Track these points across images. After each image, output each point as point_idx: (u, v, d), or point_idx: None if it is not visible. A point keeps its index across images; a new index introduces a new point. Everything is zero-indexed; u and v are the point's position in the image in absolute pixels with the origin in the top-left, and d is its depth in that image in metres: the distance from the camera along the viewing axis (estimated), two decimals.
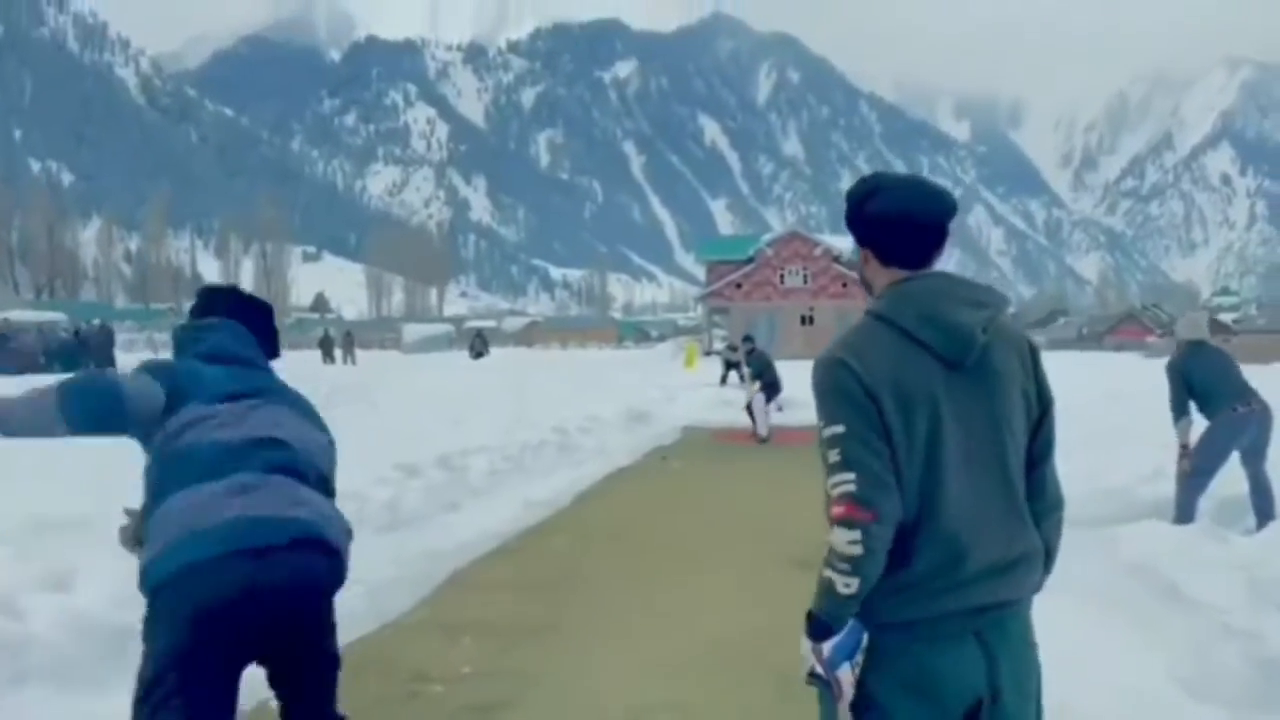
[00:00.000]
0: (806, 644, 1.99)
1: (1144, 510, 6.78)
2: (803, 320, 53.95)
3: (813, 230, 71.96)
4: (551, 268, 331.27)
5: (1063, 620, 4.85)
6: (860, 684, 1.96)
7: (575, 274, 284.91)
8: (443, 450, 8.85)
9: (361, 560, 5.89)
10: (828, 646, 1.95)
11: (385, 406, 15.41)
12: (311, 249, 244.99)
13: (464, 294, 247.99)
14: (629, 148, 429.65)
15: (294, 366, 33.27)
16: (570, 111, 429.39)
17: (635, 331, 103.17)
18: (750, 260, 57.92)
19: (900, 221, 2.09)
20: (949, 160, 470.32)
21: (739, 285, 57.19)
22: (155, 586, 2.30)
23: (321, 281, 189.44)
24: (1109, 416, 13.61)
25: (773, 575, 6.14)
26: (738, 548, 7.01)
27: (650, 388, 20.33)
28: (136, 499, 2.63)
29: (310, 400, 2.82)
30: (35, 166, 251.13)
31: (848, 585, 1.89)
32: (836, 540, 1.88)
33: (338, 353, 43.69)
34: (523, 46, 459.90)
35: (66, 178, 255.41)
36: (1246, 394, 6.61)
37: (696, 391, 20.23)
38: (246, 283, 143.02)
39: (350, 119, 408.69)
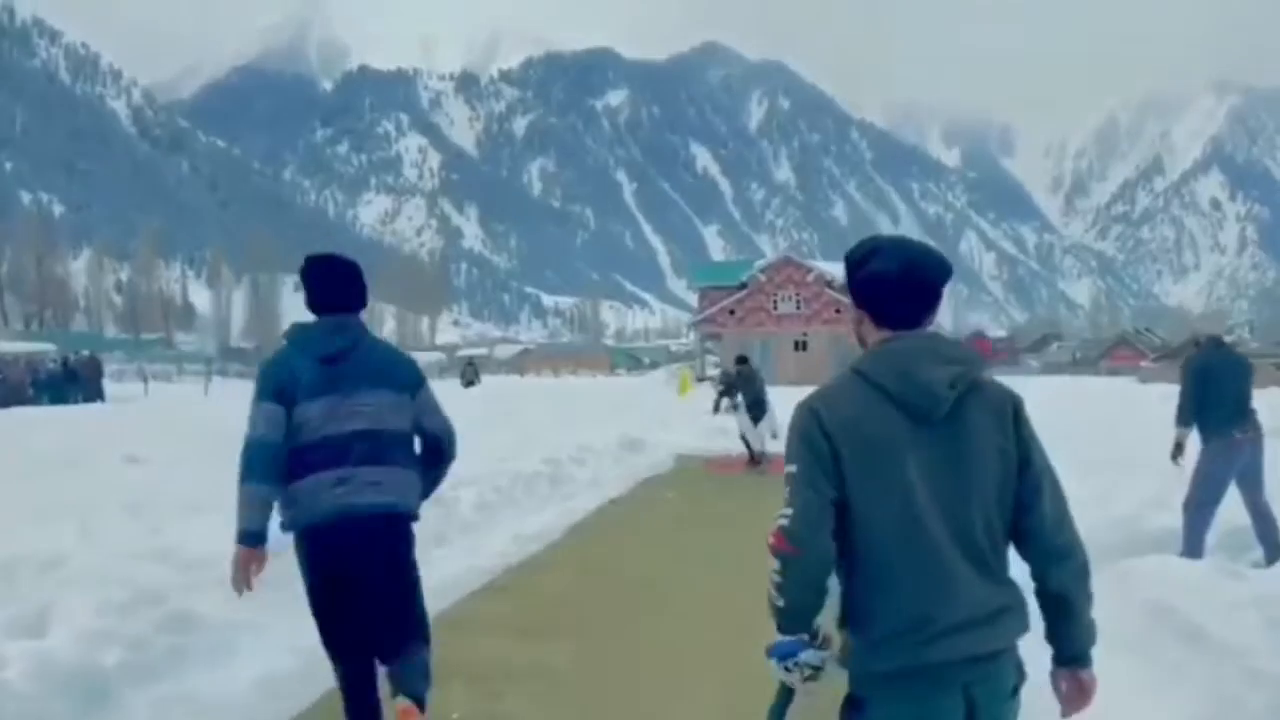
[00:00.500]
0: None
1: (1151, 539, 6.62)
2: (796, 346, 53.89)
3: (805, 256, 72.03)
4: (544, 295, 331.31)
5: None
6: None
7: (568, 301, 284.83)
8: None
9: None
10: (769, 647, 2.17)
11: None
12: None
13: (456, 322, 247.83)
14: (621, 175, 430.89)
15: None
16: (562, 140, 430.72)
17: (628, 359, 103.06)
18: (743, 286, 57.90)
19: (897, 285, 2.17)
20: (940, 186, 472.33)
21: (732, 311, 57.15)
22: (297, 534, 3.67)
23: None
24: (1111, 442, 13.46)
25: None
26: (733, 585, 6.78)
27: (643, 416, 20.14)
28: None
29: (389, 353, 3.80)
30: (26, 197, 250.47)
31: (777, 601, 2.13)
32: (769, 564, 2.11)
33: None
34: (515, 75, 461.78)
35: (58, 208, 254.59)
36: (1246, 416, 6.43)
37: (690, 419, 20.05)
38: (238, 312, 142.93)
39: (343, 148, 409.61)
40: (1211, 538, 6.54)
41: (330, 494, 3.49)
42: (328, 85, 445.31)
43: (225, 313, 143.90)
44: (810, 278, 57.45)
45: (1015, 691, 2.19)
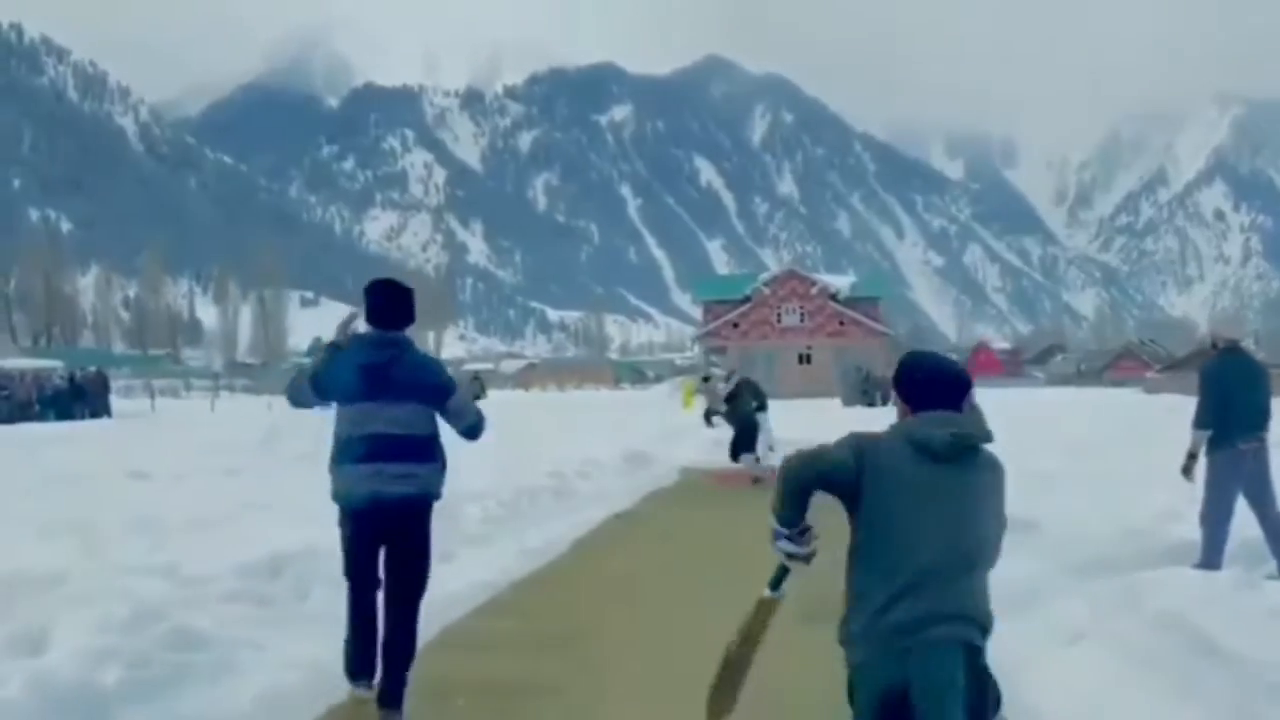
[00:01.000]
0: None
1: (1165, 552, 6.56)
2: (800, 359, 53.80)
3: (809, 269, 72.01)
4: (549, 309, 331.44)
5: (1093, 676, 4.56)
6: (850, 686, 2.85)
7: (572, 316, 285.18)
8: None
9: (344, 617, 5.64)
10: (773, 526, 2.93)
11: None
12: (310, 294, 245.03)
13: (462, 337, 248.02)
14: (625, 190, 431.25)
15: (291, 413, 33.10)
16: (567, 155, 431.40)
17: (632, 372, 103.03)
18: (747, 299, 57.87)
19: (929, 389, 2.88)
20: (943, 199, 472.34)
21: (736, 325, 57.11)
22: (340, 508, 4.66)
23: (320, 326, 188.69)
24: (1120, 455, 13.38)
25: (784, 629, 5.86)
26: (739, 597, 6.72)
27: (647, 429, 20.08)
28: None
29: (423, 364, 4.70)
30: (34, 214, 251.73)
31: (773, 503, 2.90)
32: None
33: None
34: (519, 91, 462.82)
35: (65, 225, 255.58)
36: (1259, 425, 6.32)
37: (694, 432, 19.96)
38: (245, 328, 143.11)
39: (348, 165, 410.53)
40: (1229, 547, 6.46)
41: (365, 483, 4.45)
42: (333, 102, 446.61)
43: (232, 328, 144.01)
44: (814, 291, 57.41)
45: (980, 680, 2.74)
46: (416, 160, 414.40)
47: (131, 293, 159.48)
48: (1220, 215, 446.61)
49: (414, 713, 4.47)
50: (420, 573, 4.68)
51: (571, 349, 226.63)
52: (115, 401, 39.68)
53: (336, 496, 4.63)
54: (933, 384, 2.91)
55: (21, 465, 15.04)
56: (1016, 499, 9.19)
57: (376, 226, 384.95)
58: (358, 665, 4.59)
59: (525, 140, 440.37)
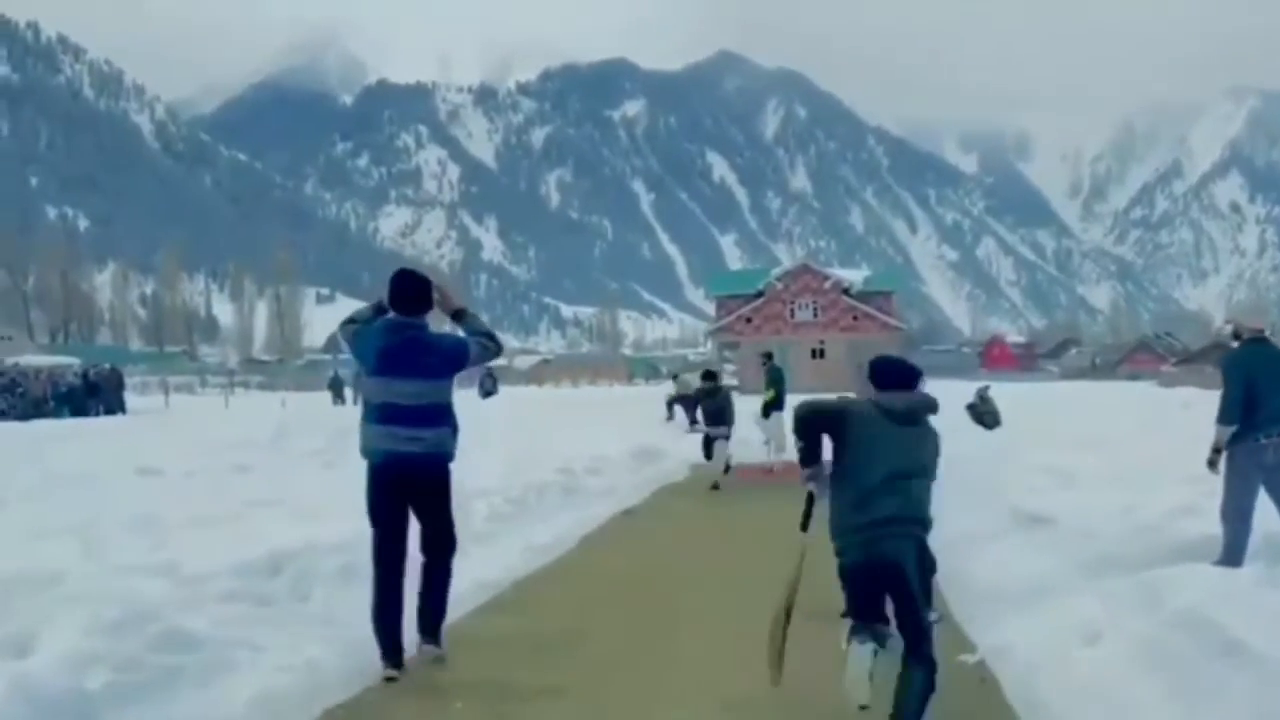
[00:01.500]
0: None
1: (1182, 548, 6.39)
2: (813, 354, 53.52)
3: (823, 264, 71.70)
4: (563, 306, 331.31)
5: (1111, 677, 4.39)
6: (839, 569, 4.26)
7: (586, 311, 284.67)
8: None
9: (345, 616, 5.53)
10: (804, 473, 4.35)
11: None
12: (325, 290, 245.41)
13: None
14: (638, 186, 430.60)
15: (304, 409, 32.94)
16: (580, 151, 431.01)
17: (646, 368, 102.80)
18: (760, 294, 57.63)
19: (888, 377, 4.41)
20: (957, 192, 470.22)
21: (749, 320, 56.88)
22: (367, 464, 5.36)
23: (335, 323, 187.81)
24: (1136, 449, 13.20)
25: (790, 628, 5.76)
26: (751, 596, 6.55)
27: (659, 425, 19.95)
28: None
29: (438, 343, 5.40)
30: (52, 212, 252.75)
31: (797, 445, 4.40)
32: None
33: (348, 393, 43.44)
34: (532, 87, 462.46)
35: (82, 223, 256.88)
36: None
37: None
38: (260, 325, 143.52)
39: (363, 161, 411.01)
40: (1250, 544, 6.27)
41: (383, 442, 5.25)
42: (347, 99, 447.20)
43: (248, 325, 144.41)
44: (827, 285, 57.14)
45: (928, 557, 4.31)
46: (430, 157, 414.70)
47: (148, 290, 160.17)
48: (1236, 207, 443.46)
49: (411, 715, 4.38)
50: (444, 523, 5.42)
51: (585, 345, 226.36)
52: (130, 398, 39.74)
53: (362, 451, 5.41)
54: (892, 375, 4.44)
55: (30, 463, 14.99)
56: (1030, 494, 9.05)
57: (391, 223, 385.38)
58: (385, 644, 5.12)
59: (538, 136, 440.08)
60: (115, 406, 35.43)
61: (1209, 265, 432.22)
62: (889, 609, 4.22)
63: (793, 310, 56.67)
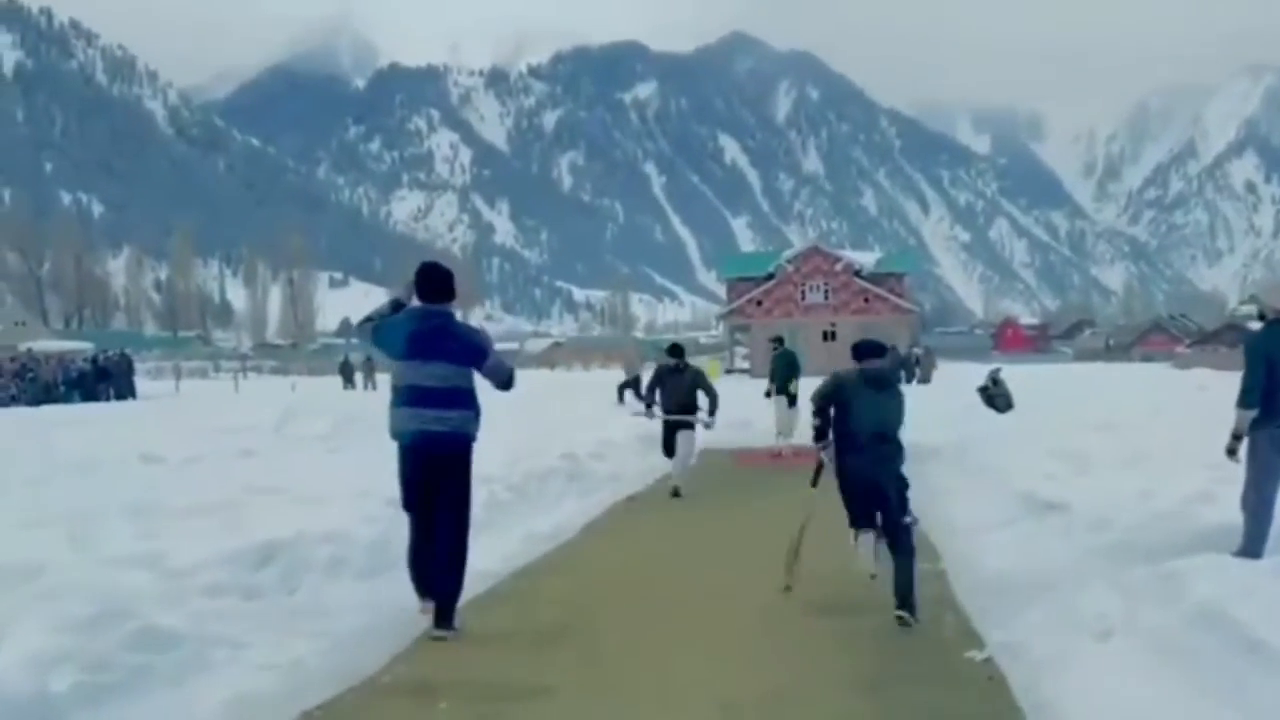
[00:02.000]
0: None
1: (1199, 536, 6.19)
2: (824, 337, 53.18)
3: (835, 246, 71.26)
4: (575, 289, 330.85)
5: (1126, 674, 4.17)
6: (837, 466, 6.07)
7: (598, 295, 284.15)
8: None
9: (335, 609, 5.36)
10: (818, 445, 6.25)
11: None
12: (338, 275, 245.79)
13: (489, 317, 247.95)
14: (650, 168, 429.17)
15: (314, 394, 32.78)
16: (591, 134, 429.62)
17: (657, 352, 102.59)
18: (771, 277, 57.34)
19: (865, 352, 6.17)
20: (970, 173, 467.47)
21: (759, 302, 56.61)
22: (396, 445, 5.72)
23: (348, 307, 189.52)
24: (1152, 432, 12.96)
25: (793, 623, 5.56)
26: (755, 589, 6.37)
27: (613, 409, 19.72)
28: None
29: (455, 329, 5.73)
30: (66, 198, 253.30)
31: (812, 423, 6.31)
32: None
33: (358, 378, 43.41)
34: (543, 70, 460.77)
35: (97, 209, 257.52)
36: None
37: (717, 412, 19.61)
38: (274, 309, 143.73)
39: (375, 145, 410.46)
40: (1269, 535, 6.02)
41: (411, 423, 5.60)
42: (359, 83, 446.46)
43: (261, 310, 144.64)
44: (838, 267, 56.81)
45: (901, 476, 6.03)
46: (442, 140, 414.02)
47: (162, 275, 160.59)
48: (1251, 187, 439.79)
49: (393, 717, 4.20)
50: (461, 501, 5.73)
51: (597, 328, 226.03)
52: (142, 383, 39.78)
53: (391, 433, 5.74)
54: (867, 350, 6.19)
55: (34, 449, 14.91)
56: (1042, 480, 8.80)
57: (404, 207, 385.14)
58: (419, 587, 5.67)
59: (550, 119, 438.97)
60: (126, 391, 35.46)
61: (1223, 245, 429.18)
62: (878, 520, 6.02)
63: (803, 292, 56.37)
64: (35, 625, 4.20)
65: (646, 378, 14.23)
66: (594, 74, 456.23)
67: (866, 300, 55.62)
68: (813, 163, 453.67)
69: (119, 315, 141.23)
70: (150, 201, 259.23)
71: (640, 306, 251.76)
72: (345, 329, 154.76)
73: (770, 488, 10.94)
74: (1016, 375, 24.08)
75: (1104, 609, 4.90)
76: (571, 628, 5.55)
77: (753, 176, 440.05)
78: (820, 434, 6.14)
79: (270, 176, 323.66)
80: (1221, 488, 7.77)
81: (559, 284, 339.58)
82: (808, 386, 15.59)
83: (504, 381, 5.80)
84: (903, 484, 6.06)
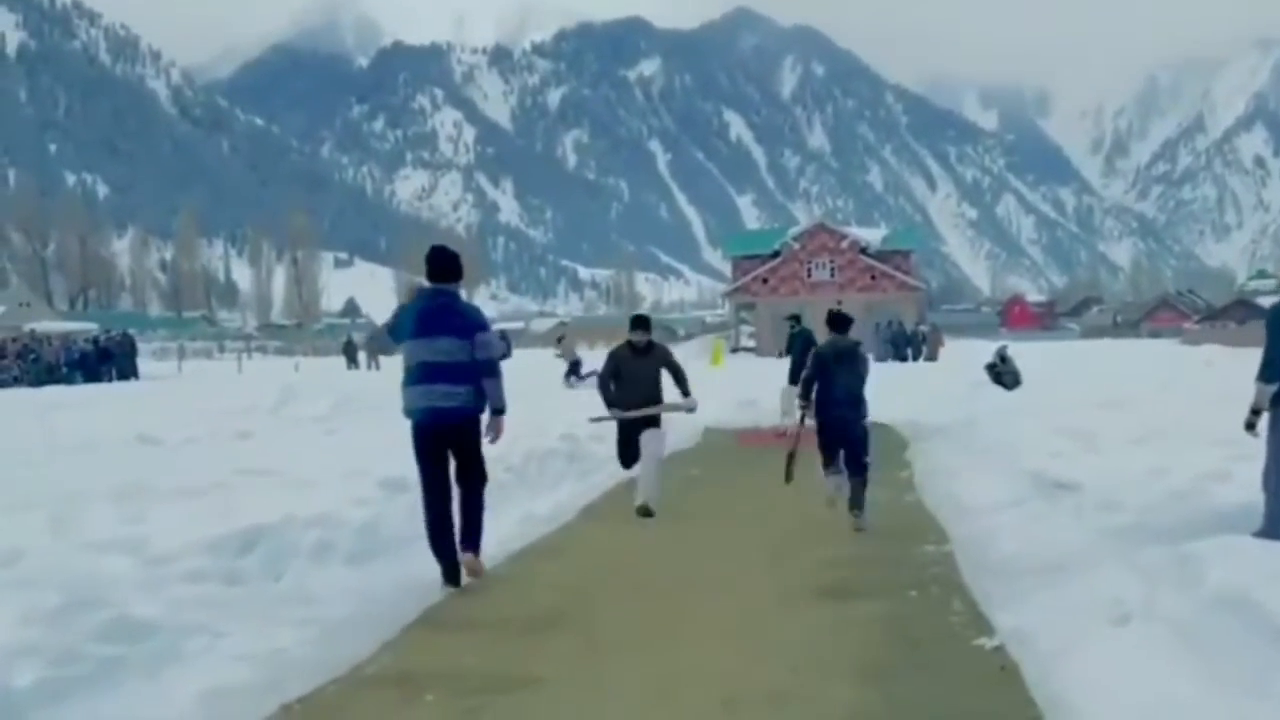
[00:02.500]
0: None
1: (1215, 516, 5.97)
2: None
3: (841, 223, 70.86)
4: (580, 268, 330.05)
5: (1147, 664, 3.93)
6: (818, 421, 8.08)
7: (603, 274, 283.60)
8: None
9: (322, 597, 5.17)
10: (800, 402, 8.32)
11: (393, 416, 14.60)
12: (343, 255, 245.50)
13: (494, 296, 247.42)
14: (655, 146, 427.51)
15: (316, 374, 32.62)
16: (595, 111, 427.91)
17: (662, 330, 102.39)
18: (776, 254, 57.01)
19: (836, 324, 8.19)
20: (977, 149, 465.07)
21: (765, 280, 56.30)
22: (409, 422, 6.06)
23: (353, 287, 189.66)
24: (1162, 409, 12.76)
25: (798, 609, 5.34)
26: (759, 574, 6.16)
27: (671, 388, 19.51)
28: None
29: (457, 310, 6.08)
30: (71, 179, 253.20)
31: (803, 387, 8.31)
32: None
33: (361, 357, 43.27)
34: (547, 48, 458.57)
35: (101, 189, 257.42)
36: None
37: (721, 391, 19.44)
38: (278, 289, 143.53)
39: (378, 124, 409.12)
40: None
41: (421, 400, 5.93)
42: (362, 62, 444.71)
43: (266, 290, 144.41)
44: (844, 244, 56.45)
45: (863, 427, 8.09)
46: (446, 119, 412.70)
47: (168, 255, 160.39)
48: (1260, 162, 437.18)
49: (376, 710, 4.01)
50: (478, 468, 6.14)
51: (603, 307, 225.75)
52: (147, 364, 39.71)
53: (404, 411, 6.07)
54: (838, 322, 8.11)
55: (31, 429, 14.76)
56: (1051, 458, 8.57)
57: (408, 186, 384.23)
58: (441, 562, 5.94)
59: (554, 97, 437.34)
60: (128, 372, 35.37)
61: (1232, 221, 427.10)
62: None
63: (809, 270, 56.04)
64: (2, 616, 4.02)
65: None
66: (598, 51, 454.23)
67: (873, 277, 55.30)
68: (818, 139, 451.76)
69: (124, 296, 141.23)
70: (155, 182, 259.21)
71: (646, 285, 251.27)
72: (350, 309, 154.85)
73: (775, 469, 10.66)
74: (1024, 352, 23.92)
75: (1119, 593, 4.68)
76: (567, 615, 5.34)
77: (758, 153, 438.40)
78: (805, 396, 8.14)
79: (274, 156, 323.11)
80: (1237, 465, 7.57)
81: (564, 263, 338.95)
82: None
83: (490, 359, 6.05)
84: (865, 432, 8.05)
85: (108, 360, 35.46)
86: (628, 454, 8.94)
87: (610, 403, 9.11)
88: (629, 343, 9.09)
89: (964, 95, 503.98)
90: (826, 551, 6.65)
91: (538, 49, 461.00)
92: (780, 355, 15.48)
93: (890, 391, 18.59)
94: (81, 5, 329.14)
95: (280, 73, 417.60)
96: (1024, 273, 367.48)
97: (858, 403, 7.96)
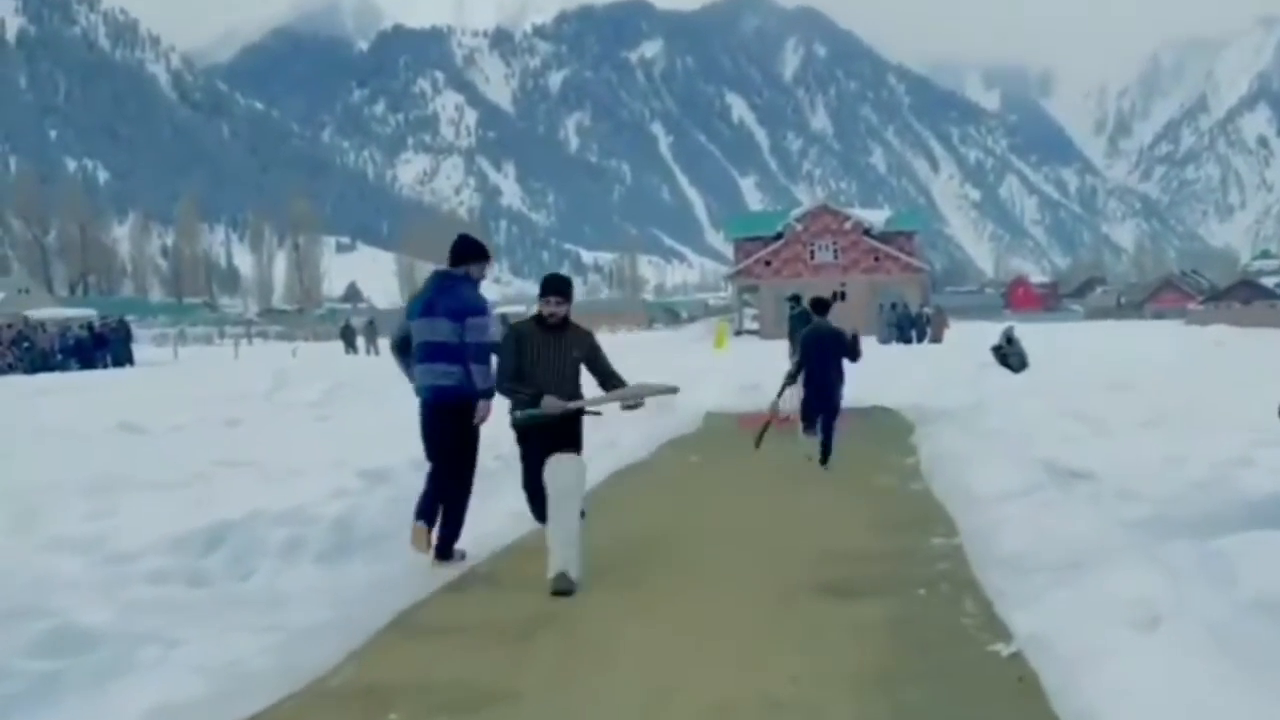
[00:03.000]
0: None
1: (1242, 507, 5.66)
2: (834, 296, 52.57)
3: (844, 205, 70.41)
4: (583, 251, 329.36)
5: (1181, 672, 3.55)
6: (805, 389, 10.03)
7: (606, 257, 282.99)
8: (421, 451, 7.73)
9: (289, 600, 4.81)
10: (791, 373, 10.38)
11: (387, 400, 14.22)
12: (345, 239, 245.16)
13: (497, 280, 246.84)
14: (657, 128, 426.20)
15: (313, 359, 32.24)
16: (597, 94, 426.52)
17: (666, 313, 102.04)
18: (779, 236, 56.65)
19: (820, 309, 10.29)
20: (979, 130, 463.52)
21: (768, 263, 55.96)
22: (419, 399, 6.26)
23: (355, 271, 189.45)
24: (1172, 391, 12.41)
25: (800, 610, 4.96)
26: (758, 568, 5.80)
27: (674, 372, 19.17)
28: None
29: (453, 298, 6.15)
30: (71, 164, 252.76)
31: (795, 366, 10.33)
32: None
33: (360, 342, 42.96)
34: (548, 30, 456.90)
35: (102, 175, 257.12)
36: None
37: (724, 375, 19.13)
38: (279, 275, 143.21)
39: (379, 108, 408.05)
40: None
41: (425, 378, 6.15)
42: (363, 45, 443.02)
43: (267, 275, 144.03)
44: (848, 226, 56.08)
45: (839, 398, 10.11)
46: (447, 102, 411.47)
47: (169, 241, 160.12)
48: (1264, 141, 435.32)
49: None
50: (457, 453, 6.20)
51: (606, 290, 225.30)
52: (145, 350, 39.45)
53: (415, 390, 6.31)
54: (821, 306, 10.25)
55: (22, 417, 14.45)
56: (1062, 444, 8.20)
57: (409, 170, 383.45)
58: (422, 514, 6.06)
59: (555, 80, 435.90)
60: (123, 358, 35.06)
61: (1235, 201, 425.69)
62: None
63: (812, 252, 55.71)
64: None
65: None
66: (599, 33, 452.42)
67: (876, 259, 54.97)
68: (821, 121, 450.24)
69: (125, 282, 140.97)
70: (155, 167, 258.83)
71: (649, 268, 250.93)
72: (351, 294, 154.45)
73: (776, 456, 10.31)
74: (1028, 334, 23.55)
75: (1144, 593, 4.30)
76: (551, 617, 4.96)
77: (760, 135, 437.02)
78: (795, 371, 10.05)
79: (275, 141, 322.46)
80: (1260, 451, 7.24)
81: (567, 246, 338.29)
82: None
83: (478, 343, 6.11)
84: (836, 405, 9.95)
85: (103, 346, 35.16)
86: (536, 489, 6.03)
87: (521, 400, 5.98)
88: (538, 316, 6.07)
89: (966, 76, 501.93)
90: (830, 543, 6.31)
91: (539, 31, 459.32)
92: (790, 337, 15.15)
93: (895, 374, 18.32)
94: None
95: (280, 57, 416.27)
96: (1027, 254, 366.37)
97: (838, 379, 9.94)
